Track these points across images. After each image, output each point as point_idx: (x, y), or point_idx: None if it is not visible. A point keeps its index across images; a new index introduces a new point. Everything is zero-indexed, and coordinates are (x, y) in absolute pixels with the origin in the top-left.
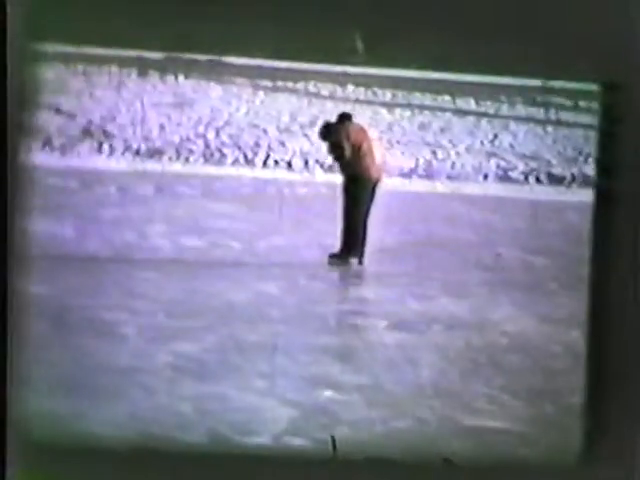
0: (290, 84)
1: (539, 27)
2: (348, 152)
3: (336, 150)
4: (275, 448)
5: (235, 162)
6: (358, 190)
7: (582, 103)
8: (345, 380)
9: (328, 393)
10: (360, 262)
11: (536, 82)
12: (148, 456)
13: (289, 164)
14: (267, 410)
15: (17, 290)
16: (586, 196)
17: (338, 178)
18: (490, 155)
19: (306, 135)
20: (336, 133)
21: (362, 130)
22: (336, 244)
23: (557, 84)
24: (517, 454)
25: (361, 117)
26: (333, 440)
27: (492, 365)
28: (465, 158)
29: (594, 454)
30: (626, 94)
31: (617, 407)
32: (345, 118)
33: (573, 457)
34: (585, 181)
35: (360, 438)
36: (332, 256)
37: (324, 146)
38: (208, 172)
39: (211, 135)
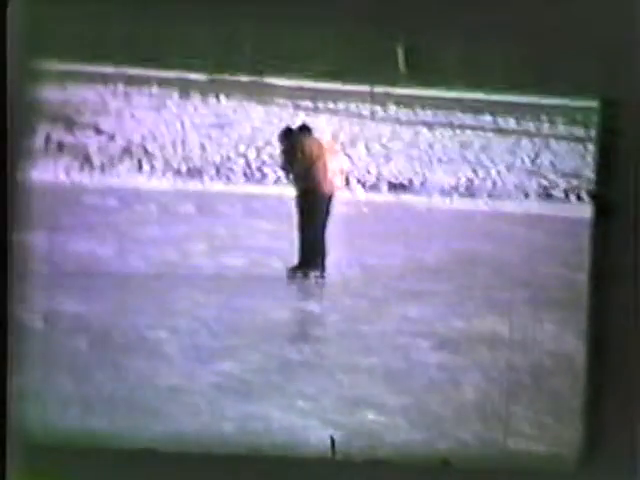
0: (331, 104)
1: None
2: (298, 164)
3: (286, 159)
4: (276, 450)
5: (276, 181)
6: (310, 204)
7: None
8: (388, 401)
9: (371, 414)
10: (322, 276)
11: (577, 101)
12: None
13: None
14: (310, 430)
15: (17, 299)
16: None
17: (380, 196)
18: (531, 173)
19: (347, 154)
20: (291, 142)
21: (319, 145)
22: (377, 263)
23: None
24: (517, 457)
25: (402, 136)
26: (332, 441)
27: (535, 386)
28: (506, 176)
29: (594, 458)
30: (625, 109)
31: (616, 411)
32: (305, 130)
33: (573, 461)
34: None
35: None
36: (291, 269)
37: (362, 163)
38: (249, 191)
39: (252, 155)
